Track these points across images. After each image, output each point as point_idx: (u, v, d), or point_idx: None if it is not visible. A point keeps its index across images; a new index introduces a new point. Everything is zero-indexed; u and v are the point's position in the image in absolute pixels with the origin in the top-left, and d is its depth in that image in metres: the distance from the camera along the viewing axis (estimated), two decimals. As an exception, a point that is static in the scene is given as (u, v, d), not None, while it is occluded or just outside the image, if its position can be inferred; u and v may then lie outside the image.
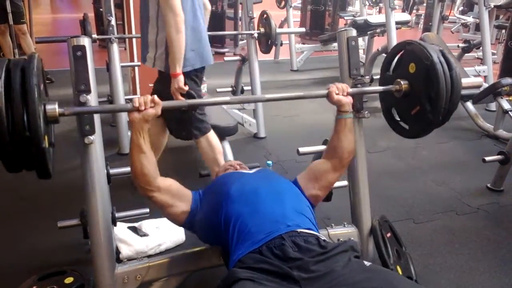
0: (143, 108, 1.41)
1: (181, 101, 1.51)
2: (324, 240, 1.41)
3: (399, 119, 1.76)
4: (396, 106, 1.75)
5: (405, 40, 1.71)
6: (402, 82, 1.65)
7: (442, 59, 1.55)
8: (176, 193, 1.58)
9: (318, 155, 2.05)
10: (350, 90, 1.66)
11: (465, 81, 1.64)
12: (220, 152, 2.44)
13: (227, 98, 1.59)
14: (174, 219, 1.62)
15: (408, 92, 1.64)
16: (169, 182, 1.57)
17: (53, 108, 1.30)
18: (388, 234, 1.87)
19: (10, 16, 4.69)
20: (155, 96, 1.44)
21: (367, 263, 1.33)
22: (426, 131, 1.66)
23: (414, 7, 9.72)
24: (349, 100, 1.64)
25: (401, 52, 1.71)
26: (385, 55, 4.21)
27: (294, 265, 1.28)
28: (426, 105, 1.58)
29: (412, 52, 1.63)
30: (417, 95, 1.61)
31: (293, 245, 1.35)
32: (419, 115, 1.62)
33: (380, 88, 1.74)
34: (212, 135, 2.42)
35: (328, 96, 1.64)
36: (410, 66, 1.63)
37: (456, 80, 1.54)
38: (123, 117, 3.13)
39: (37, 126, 1.15)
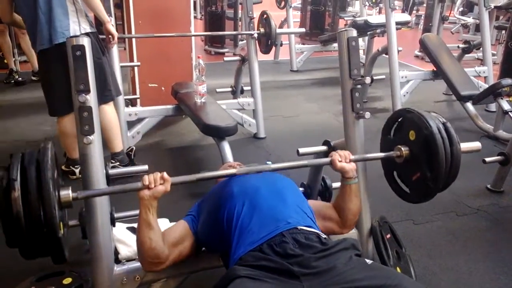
0: (153, 186, 1.41)
1: (191, 176, 1.53)
2: (325, 238, 1.42)
3: (400, 182, 1.81)
4: (397, 170, 1.80)
5: (404, 108, 1.77)
6: (402, 149, 1.70)
7: (442, 130, 1.60)
8: (179, 240, 1.57)
9: (318, 156, 2.04)
10: (352, 157, 1.67)
11: (464, 147, 1.68)
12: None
13: (233, 171, 1.61)
14: (188, 256, 1.61)
15: (409, 159, 1.69)
16: (170, 239, 1.54)
17: (67, 194, 1.33)
18: (388, 235, 1.87)
19: (9, 16, 4.69)
20: (165, 173, 1.44)
21: (368, 261, 1.33)
22: (427, 198, 1.71)
23: (414, 8, 9.72)
24: (352, 166, 1.66)
25: (400, 118, 1.77)
26: (385, 55, 4.23)
27: (294, 261, 1.29)
28: (426, 172, 1.62)
29: (411, 120, 1.69)
30: (418, 162, 1.66)
31: (294, 242, 1.35)
32: (420, 182, 1.67)
33: (382, 154, 1.79)
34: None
35: (331, 164, 1.65)
36: (410, 133, 1.68)
37: (456, 155, 1.59)
38: (122, 117, 3.12)
39: (53, 216, 1.21)
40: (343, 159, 1.64)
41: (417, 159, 1.66)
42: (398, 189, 1.82)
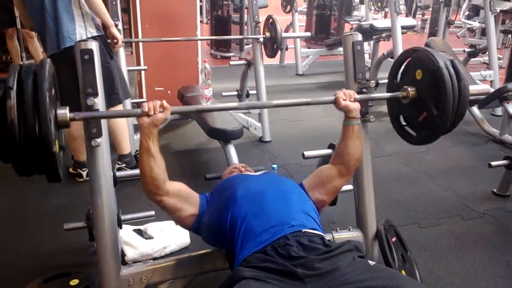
0: (152, 112, 1.43)
1: (190, 107, 1.52)
2: (328, 240, 1.42)
3: (406, 126, 1.76)
4: (404, 113, 1.75)
5: (411, 47, 1.71)
6: (409, 89, 1.64)
7: (450, 66, 1.55)
8: (185, 196, 1.59)
9: (323, 159, 2.05)
10: (357, 96, 1.65)
11: (472, 88, 1.64)
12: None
13: (235, 104, 1.59)
14: (182, 222, 1.63)
15: (415, 99, 1.64)
16: (178, 186, 1.58)
17: (64, 113, 1.31)
18: (393, 239, 1.87)
19: (18, 20, 4.75)
20: (164, 101, 1.45)
21: (371, 263, 1.33)
22: (434, 138, 1.66)
23: (418, 12, 9.72)
24: (356, 106, 1.64)
25: (407, 60, 1.71)
26: (391, 59, 4.23)
27: (298, 263, 1.30)
28: (433, 110, 1.57)
29: (418, 59, 1.64)
30: (425, 101, 1.61)
31: (298, 245, 1.36)
32: (426, 122, 1.62)
33: (387, 94, 1.74)
34: None
35: (335, 102, 1.63)
36: (417, 72, 1.63)
37: (463, 90, 1.54)
38: (129, 120, 3.14)
39: (48, 131, 1.16)
40: (348, 98, 1.62)
41: (423, 98, 1.61)
42: (404, 133, 1.76)
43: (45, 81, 1.18)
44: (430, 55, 1.58)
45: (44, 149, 1.18)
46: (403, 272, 1.75)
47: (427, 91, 1.59)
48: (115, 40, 2.67)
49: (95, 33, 2.53)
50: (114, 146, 2.78)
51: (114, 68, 2.68)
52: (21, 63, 4.47)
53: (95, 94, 1.47)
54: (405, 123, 1.77)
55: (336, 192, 1.72)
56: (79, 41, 1.51)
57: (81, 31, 2.46)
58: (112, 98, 2.66)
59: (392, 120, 1.81)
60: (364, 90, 1.81)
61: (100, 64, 1.53)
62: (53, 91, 1.26)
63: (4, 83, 1.16)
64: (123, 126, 2.84)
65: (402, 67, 1.74)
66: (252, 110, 3.64)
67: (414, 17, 8.44)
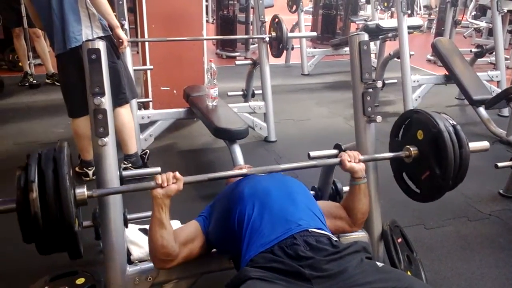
0: (165, 184, 1.44)
1: (203, 176, 1.56)
2: (336, 240, 1.42)
3: (410, 182, 1.82)
4: (407, 171, 1.81)
5: (411, 109, 1.79)
6: (411, 149, 1.70)
7: (451, 131, 1.61)
8: (189, 239, 1.59)
9: (327, 168, 2.05)
10: (362, 157, 1.69)
11: (472, 146, 1.68)
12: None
13: (244, 171, 1.64)
14: (198, 255, 1.63)
15: (417, 158, 1.70)
16: (181, 238, 1.56)
17: (82, 192, 1.36)
18: (399, 240, 1.86)
19: (25, 20, 4.78)
20: (177, 173, 1.47)
21: (379, 264, 1.33)
22: (438, 196, 1.71)
23: (424, 12, 9.69)
24: (361, 166, 1.67)
25: (408, 119, 1.78)
26: (397, 59, 4.22)
27: (305, 263, 1.30)
28: (436, 170, 1.63)
29: (419, 120, 1.70)
30: (427, 161, 1.66)
31: (305, 245, 1.36)
32: (429, 180, 1.67)
33: (391, 154, 1.79)
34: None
35: (340, 164, 1.67)
36: (418, 133, 1.70)
37: (465, 157, 1.60)
38: (135, 120, 3.15)
39: (69, 213, 1.23)
40: (352, 159, 1.65)
41: (426, 158, 1.66)
42: (408, 190, 1.82)
43: (65, 165, 1.25)
44: (431, 117, 1.64)
45: (66, 230, 1.24)
46: (409, 273, 1.75)
47: (429, 152, 1.65)
48: (120, 41, 2.68)
49: (101, 34, 2.54)
50: (120, 145, 2.79)
51: (121, 68, 2.70)
52: (29, 65, 4.48)
53: (102, 94, 1.48)
54: (408, 180, 1.82)
55: (342, 232, 1.75)
56: (86, 41, 1.51)
57: (87, 32, 2.48)
58: (119, 98, 2.68)
59: (395, 177, 1.87)
60: (371, 90, 1.81)
61: (107, 64, 1.53)
62: (71, 172, 1.32)
63: (25, 175, 1.22)
64: (130, 127, 2.86)
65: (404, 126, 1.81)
66: (257, 110, 3.65)
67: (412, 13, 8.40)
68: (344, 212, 1.72)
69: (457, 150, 1.58)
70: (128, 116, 2.84)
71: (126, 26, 3.11)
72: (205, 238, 1.62)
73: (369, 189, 1.83)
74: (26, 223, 1.20)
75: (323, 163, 1.84)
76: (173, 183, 1.45)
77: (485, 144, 1.79)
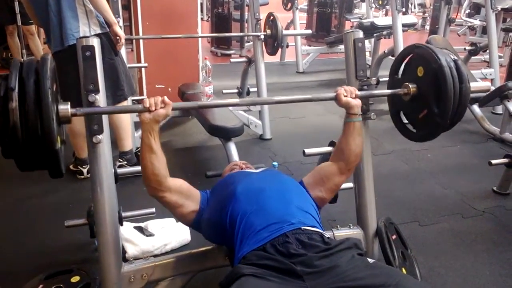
0: (153, 108, 1.43)
1: (191, 103, 1.52)
2: (328, 237, 1.43)
3: (407, 123, 1.77)
4: (404, 109, 1.76)
5: (413, 44, 1.71)
6: (410, 86, 1.65)
7: (452, 66, 1.55)
8: (186, 193, 1.60)
9: (323, 157, 2.05)
10: (359, 93, 1.65)
11: (473, 85, 1.64)
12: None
13: (236, 100, 1.60)
14: (183, 218, 1.64)
15: (416, 96, 1.64)
16: (179, 183, 1.59)
17: (66, 108, 1.32)
18: (394, 236, 1.87)
19: (18, 17, 4.75)
20: (166, 97, 1.45)
21: (370, 260, 1.34)
22: (434, 135, 1.66)
23: (418, 10, 9.71)
24: (357, 102, 1.64)
25: (409, 56, 1.71)
26: (391, 57, 4.23)
27: (297, 260, 1.30)
28: (434, 108, 1.58)
29: (420, 56, 1.64)
30: (425, 98, 1.61)
31: (297, 243, 1.36)
32: (426, 119, 1.63)
33: (388, 91, 1.74)
34: None
35: (336, 98, 1.63)
36: (419, 69, 1.63)
37: (465, 93, 1.55)
38: (131, 118, 3.14)
39: (50, 128, 1.17)
40: (349, 94, 1.62)
41: (424, 96, 1.61)
42: (404, 129, 1.77)
43: (47, 78, 1.19)
44: (432, 52, 1.57)
45: (46, 146, 1.19)
46: (403, 270, 1.75)
47: (428, 89, 1.59)
48: (117, 38, 2.67)
49: (98, 31, 2.53)
50: (115, 143, 2.78)
51: (119, 64, 2.69)
52: (22, 60, 4.47)
53: (97, 91, 1.48)
54: (405, 120, 1.77)
55: (336, 189, 1.72)
56: (81, 37, 1.50)
57: (84, 29, 2.47)
58: (118, 95, 2.67)
59: (392, 116, 1.81)
60: (365, 87, 1.81)
61: (101, 60, 1.53)
62: (54, 86, 1.26)
63: (6, 82, 1.16)
64: (127, 124, 2.85)
65: (404, 63, 1.74)
66: (252, 107, 3.64)
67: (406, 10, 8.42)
68: (333, 165, 1.69)
69: (457, 86, 1.52)
70: (123, 115, 2.83)
71: (121, 23, 3.09)
72: (199, 211, 1.61)
73: (363, 178, 1.83)
74: (5, 134, 1.14)
75: (319, 97, 1.79)
76: (161, 107, 1.44)
77: (486, 84, 1.76)
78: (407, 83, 1.66)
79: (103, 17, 2.55)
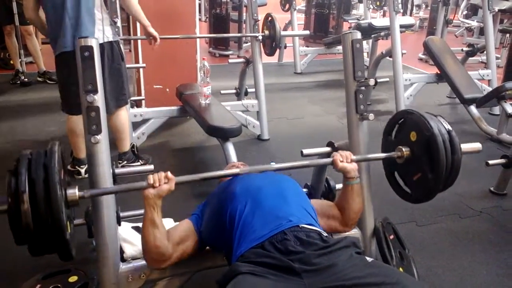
0: (157, 184, 1.44)
1: (195, 176, 1.55)
2: (326, 236, 1.43)
3: (402, 183, 1.81)
4: (399, 171, 1.80)
5: (405, 109, 1.77)
6: (404, 149, 1.69)
7: (445, 135, 1.59)
8: (183, 238, 1.60)
9: (320, 168, 2.06)
10: (354, 157, 1.68)
11: (464, 147, 1.68)
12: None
13: (236, 170, 1.65)
14: (191, 254, 1.63)
15: (409, 159, 1.69)
16: (174, 237, 1.57)
17: (73, 192, 1.35)
18: (391, 236, 1.88)
19: (16, 17, 4.74)
20: (169, 173, 1.47)
21: (369, 259, 1.35)
22: (429, 197, 1.71)
23: (416, 11, 9.73)
24: (354, 166, 1.67)
25: (402, 119, 1.77)
26: (389, 58, 4.24)
27: (295, 258, 1.31)
28: (427, 173, 1.62)
29: (412, 121, 1.69)
30: (419, 162, 1.66)
31: (295, 240, 1.37)
32: (421, 181, 1.67)
33: (383, 155, 1.78)
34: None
35: (332, 164, 1.66)
36: (411, 134, 1.68)
37: (457, 162, 1.60)
38: (129, 118, 3.15)
39: (60, 220, 1.22)
40: (345, 159, 1.65)
41: (418, 160, 1.66)
42: (399, 190, 1.82)
43: (55, 173, 1.23)
44: (425, 120, 1.62)
45: (58, 237, 1.24)
46: (400, 269, 1.76)
47: (421, 154, 1.64)
48: (151, 38, 2.80)
49: (111, 38, 2.57)
50: (113, 143, 2.78)
51: (124, 69, 2.74)
52: (20, 63, 4.46)
53: (95, 91, 1.48)
54: (400, 180, 1.82)
55: (334, 232, 1.75)
56: (79, 38, 1.51)
57: (99, 35, 2.50)
58: (120, 99, 2.74)
59: (387, 176, 1.86)
60: (363, 88, 1.82)
61: (100, 61, 1.53)
62: (62, 174, 1.30)
63: (16, 183, 1.20)
64: (127, 126, 2.91)
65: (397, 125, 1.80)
66: (250, 108, 3.65)
67: (410, 15, 8.46)
68: (337, 211, 1.72)
69: (449, 156, 1.58)
70: (126, 115, 2.89)
71: (119, 23, 3.10)
72: (198, 236, 1.62)
73: (362, 186, 1.84)
74: (18, 229, 1.20)
75: (315, 163, 1.85)
76: (164, 183, 1.45)
77: (477, 145, 1.79)
78: (400, 147, 1.71)
79: (138, 21, 2.74)
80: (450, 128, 1.63)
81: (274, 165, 1.70)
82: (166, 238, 1.51)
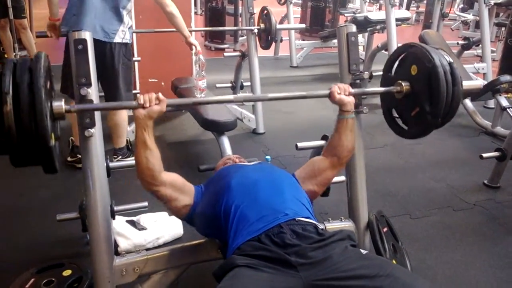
0: (148, 105, 1.43)
1: (186, 99, 1.53)
2: (322, 229, 1.44)
3: (398, 120, 1.77)
4: (397, 107, 1.76)
5: (408, 43, 1.71)
6: (403, 84, 1.65)
7: (446, 67, 1.55)
8: (180, 187, 1.60)
9: (316, 151, 2.06)
10: (352, 90, 1.66)
11: (465, 84, 1.64)
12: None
13: (230, 97, 1.60)
14: (177, 212, 1.64)
15: (408, 94, 1.65)
16: (173, 177, 1.59)
17: (60, 105, 1.32)
18: (385, 229, 1.88)
19: (10, 11, 4.70)
20: (160, 94, 1.46)
21: (363, 252, 1.36)
22: (425, 133, 1.68)
23: (413, 5, 9.72)
24: (351, 100, 1.65)
25: (403, 54, 1.72)
26: (385, 52, 4.24)
27: (291, 251, 1.31)
28: (426, 107, 1.59)
29: (414, 55, 1.65)
30: (418, 97, 1.62)
31: (291, 233, 1.38)
32: (418, 117, 1.64)
33: (382, 89, 1.75)
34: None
35: (329, 96, 1.65)
36: (412, 68, 1.64)
37: (458, 94, 1.56)
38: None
39: (44, 125, 1.18)
40: (342, 91, 1.64)
41: (417, 94, 1.62)
42: (395, 126, 1.78)
43: (41, 77, 1.19)
44: (427, 52, 1.58)
45: (40, 144, 1.19)
46: (394, 262, 1.76)
47: (421, 88, 1.60)
48: (193, 46, 2.96)
49: (126, 41, 2.69)
50: (108, 138, 2.78)
51: (132, 67, 2.86)
52: (14, 57, 4.45)
53: (89, 84, 1.47)
54: (397, 116, 1.78)
55: (327, 183, 1.74)
56: (73, 31, 1.50)
57: (120, 35, 2.63)
58: (126, 98, 2.77)
59: (384, 112, 1.82)
60: (358, 81, 1.82)
61: (93, 55, 1.53)
62: (48, 84, 1.26)
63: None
64: (126, 123, 2.92)
65: (397, 61, 1.75)
66: (246, 102, 3.64)
67: (408, 9, 8.45)
68: (325, 161, 1.70)
69: (450, 87, 1.53)
70: (126, 113, 2.91)
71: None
72: (193, 205, 1.61)
73: (355, 171, 1.84)
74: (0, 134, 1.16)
75: (312, 95, 1.80)
76: (155, 104, 1.44)
77: (478, 83, 1.77)
78: (400, 81, 1.66)
79: (180, 33, 2.93)
80: (451, 60, 1.59)
81: (269, 95, 1.69)
82: (160, 164, 1.51)
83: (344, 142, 1.67)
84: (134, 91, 3.78)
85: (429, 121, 1.59)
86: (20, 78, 1.18)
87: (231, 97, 1.61)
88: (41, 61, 1.23)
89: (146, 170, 1.49)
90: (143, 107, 1.43)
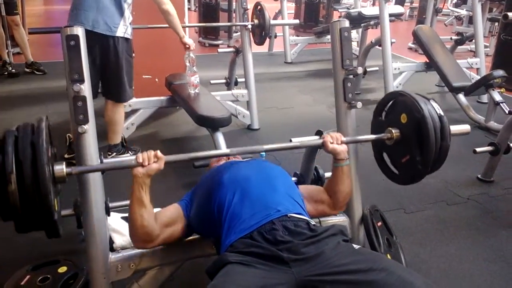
0: (146, 163, 1.43)
1: (184, 155, 1.54)
2: (314, 224, 1.45)
3: (390, 164, 1.81)
4: (388, 152, 1.80)
5: (397, 91, 1.76)
6: (393, 131, 1.69)
7: (436, 118, 1.59)
8: (170, 220, 1.59)
9: (310, 150, 2.06)
10: (344, 139, 1.68)
11: (453, 129, 1.69)
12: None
13: (227, 150, 1.64)
14: (178, 239, 1.63)
15: (399, 141, 1.69)
16: (161, 217, 1.57)
17: (61, 169, 1.33)
18: (379, 223, 1.89)
19: (2, 7, 4.67)
20: (158, 151, 1.46)
21: (356, 246, 1.36)
22: (415, 180, 1.72)
23: (406, 0, 9.74)
24: (344, 148, 1.66)
25: (392, 100, 1.77)
26: (379, 47, 4.25)
27: (284, 247, 1.32)
28: (416, 155, 1.63)
29: (404, 103, 1.68)
30: (408, 144, 1.66)
31: (284, 229, 1.38)
32: (409, 164, 1.67)
33: (373, 136, 1.78)
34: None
35: (323, 145, 1.66)
36: (402, 116, 1.68)
37: (445, 148, 1.60)
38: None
39: (49, 203, 1.21)
40: (335, 141, 1.65)
41: (407, 142, 1.66)
42: (387, 171, 1.82)
43: (44, 154, 1.21)
44: (415, 102, 1.61)
45: (46, 219, 1.23)
46: (388, 256, 1.77)
47: (411, 136, 1.64)
48: (187, 46, 3.00)
49: (128, 36, 2.73)
50: (103, 134, 2.77)
51: (132, 63, 2.88)
52: (7, 54, 4.37)
53: (82, 81, 1.46)
54: (389, 162, 1.82)
55: (323, 215, 1.76)
56: (65, 26, 1.49)
57: (122, 29, 2.67)
58: (129, 94, 2.85)
59: (376, 156, 1.86)
60: (351, 76, 1.82)
61: (86, 50, 1.51)
62: (49, 151, 1.28)
63: (2, 163, 1.17)
64: (123, 119, 2.96)
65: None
66: (240, 98, 3.65)
67: (402, 5, 8.46)
68: (326, 195, 1.73)
69: (438, 142, 1.58)
70: (123, 110, 2.94)
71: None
72: (186, 222, 1.62)
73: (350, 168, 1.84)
74: (4, 208, 1.18)
75: (305, 144, 1.83)
76: (154, 162, 1.44)
77: (466, 127, 1.80)
78: (390, 128, 1.71)
79: (175, 32, 2.96)
80: (442, 113, 1.62)
81: (264, 146, 1.68)
82: (153, 218, 1.51)
83: (341, 188, 1.69)
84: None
85: (419, 169, 1.64)
86: (23, 154, 1.20)
87: (227, 150, 1.64)
88: (43, 134, 1.25)
89: (140, 228, 1.48)
90: (142, 165, 1.43)
